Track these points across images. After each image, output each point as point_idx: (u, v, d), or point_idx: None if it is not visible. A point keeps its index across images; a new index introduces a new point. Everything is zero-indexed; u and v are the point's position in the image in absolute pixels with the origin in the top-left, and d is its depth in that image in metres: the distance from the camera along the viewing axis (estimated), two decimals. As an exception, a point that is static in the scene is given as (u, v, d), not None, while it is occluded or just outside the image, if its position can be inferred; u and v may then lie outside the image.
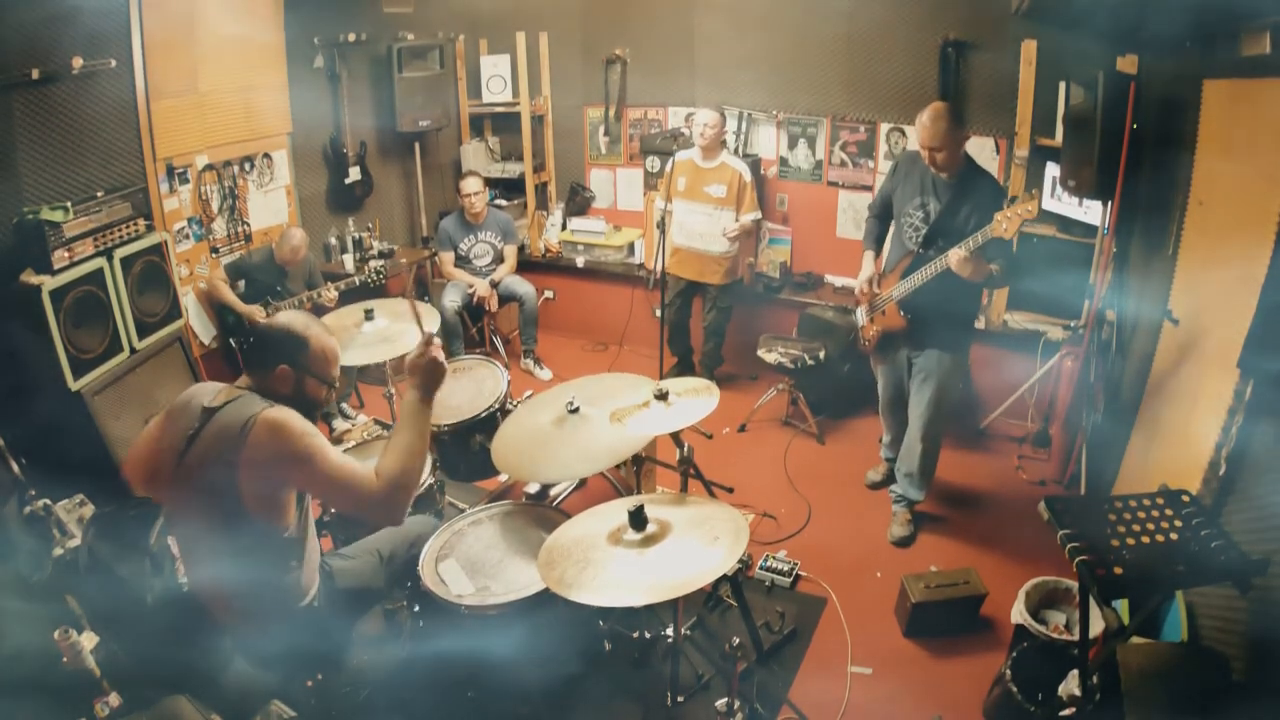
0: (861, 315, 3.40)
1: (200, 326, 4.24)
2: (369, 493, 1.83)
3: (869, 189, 4.58)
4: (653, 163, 4.94)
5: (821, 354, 4.14)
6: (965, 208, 2.93)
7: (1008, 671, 2.36)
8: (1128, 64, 3.32)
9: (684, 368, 4.80)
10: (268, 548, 1.90)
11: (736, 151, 4.71)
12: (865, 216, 3.45)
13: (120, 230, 3.47)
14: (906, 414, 3.33)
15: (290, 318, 1.98)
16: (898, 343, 3.29)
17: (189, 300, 4.13)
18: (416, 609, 2.30)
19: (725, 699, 2.23)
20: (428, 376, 1.97)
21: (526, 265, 5.32)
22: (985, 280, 2.93)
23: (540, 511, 2.55)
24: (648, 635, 2.68)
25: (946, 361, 3.13)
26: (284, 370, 1.92)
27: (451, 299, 4.75)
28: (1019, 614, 2.59)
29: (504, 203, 5.38)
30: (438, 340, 2.02)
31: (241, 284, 4.16)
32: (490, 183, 5.15)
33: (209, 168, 4.20)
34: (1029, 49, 3.88)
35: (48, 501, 2.74)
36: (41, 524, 2.69)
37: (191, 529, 1.96)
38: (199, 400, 1.91)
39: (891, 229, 3.32)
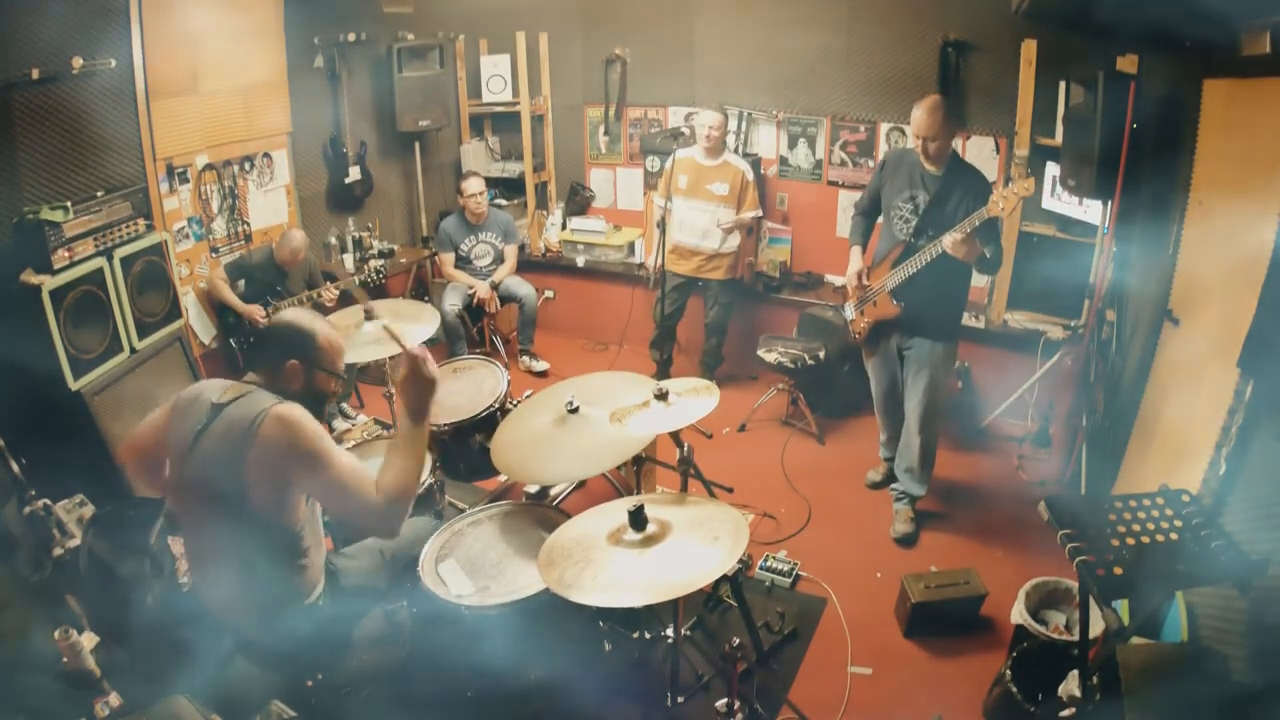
0: (850, 310, 3.43)
1: (200, 326, 4.24)
2: (370, 505, 1.82)
3: (869, 188, 4.59)
4: (653, 162, 4.93)
5: (821, 354, 4.14)
6: (953, 198, 3.02)
7: (1008, 671, 2.36)
8: (1128, 64, 3.32)
9: (663, 373, 4.62)
10: (275, 545, 1.90)
11: (736, 151, 4.70)
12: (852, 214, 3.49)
13: (120, 230, 3.46)
14: (901, 410, 3.37)
15: (295, 314, 2.01)
16: (889, 333, 3.32)
17: (189, 300, 4.13)
18: (416, 609, 2.29)
19: (725, 699, 2.23)
20: (418, 396, 1.88)
21: (526, 265, 5.32)
22: (978, 261, 2.99)
23: (540, 511, 2.55)
24: (648, 635, 2.67)
25: (939, 350, 3.18)
26: (294, 365, 1.93)
27: (452, 302, 4.74)
28: (1019, 614, 2.59)
29: (504, 202, 5.38)
30: (427, 355, 1.91)
31: (241, 284, 4.16)
32: (490, 182, 5.15)
33: (209, 167, 4.19)
34: (1029, 49, 3.88)
35: (48, 501, 2.74)
36: (41, 524, 2.69)
37: (198, 526, 1.96)
38: (207, 396, 1.92)
39: (879, 224, 3.36)
